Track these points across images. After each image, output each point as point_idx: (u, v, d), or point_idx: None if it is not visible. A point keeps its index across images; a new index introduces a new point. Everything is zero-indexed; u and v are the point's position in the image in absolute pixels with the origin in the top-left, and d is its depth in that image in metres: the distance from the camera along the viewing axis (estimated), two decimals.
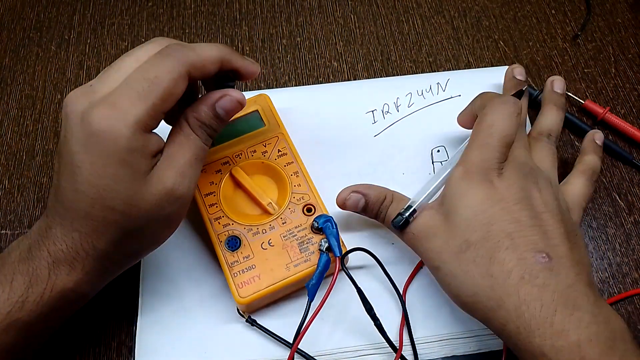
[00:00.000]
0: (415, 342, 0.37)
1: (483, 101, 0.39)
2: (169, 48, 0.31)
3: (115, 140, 0.28)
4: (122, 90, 0.29)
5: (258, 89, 0.49)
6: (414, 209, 0.36)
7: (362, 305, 0.35)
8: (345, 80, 0.50)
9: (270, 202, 0.38)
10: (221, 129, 0.34)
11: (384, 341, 0.36)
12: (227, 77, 0.34)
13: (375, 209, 0.38)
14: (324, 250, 0.36)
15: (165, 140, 0.32)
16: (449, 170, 0.37)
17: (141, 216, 0.30)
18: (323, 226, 0.36)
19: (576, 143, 0.47)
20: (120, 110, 0.29)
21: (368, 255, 0.37)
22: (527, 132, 0.42)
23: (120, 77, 0.30)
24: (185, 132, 0.32)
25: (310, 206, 0.38)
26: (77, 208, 0.30)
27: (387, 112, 0.47)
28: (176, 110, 0.32)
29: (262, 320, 0.37)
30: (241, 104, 0.33)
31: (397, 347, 0.36)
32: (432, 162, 0.45)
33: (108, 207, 0.29)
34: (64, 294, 0.31)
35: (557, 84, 0.43)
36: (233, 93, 0.33)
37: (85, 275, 0.31)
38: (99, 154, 0.29)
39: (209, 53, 0.31)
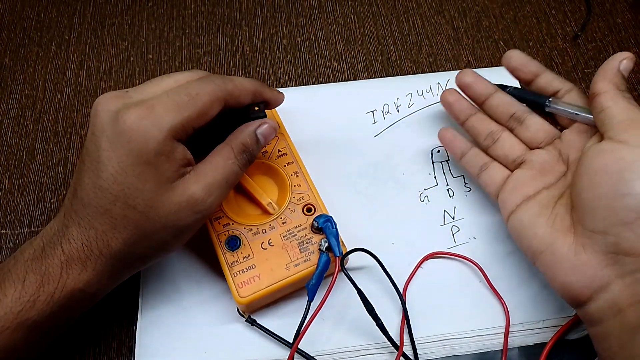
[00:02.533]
0: (416, 342, 0.37)
1: None
2: (211, 76, 0.34)
3: (146, 141, 0.30)
4: (162, 98, 0.31)
5: None
6: None
7: (362, 305, 0.35)
8: (345, 80, 0.50)
9: (270, 202, 0.38)
10: (256, 155, 0.36)
11: (384, 341, 0.36)
12: (256, 105, 0.36)
13: None
14: (324, 250, 0.36)
15: (192, 162, 0.33)
16: None
17: (159, 220, 0.31)
18: (323, 226, 0.36)
19: None
20: (156, 114, 0.30)
21: (368, 255, 0.37)
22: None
23: (159, 90, 0.32)
24: (224, 155, 0.33)
25: (310, 206, 0.38)
26: (98, 204, 0.30)
27: (387, 112, 0.47)
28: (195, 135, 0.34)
29: (262, 320, 0.37)
30: (276, 131, 0.36)
31: (398, 347, 0.36)
32: (432, 162, 0.45)
33: (130, 206, 0.30)
34: (74, 294, 0.31)
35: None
36: (270, 122, 0.36)
37: (96, 276, 0.31)
38: (128, 152, 0.30)
39: (245, 85, 0.35)
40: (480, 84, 0.41)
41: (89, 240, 0.31)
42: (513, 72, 0.41)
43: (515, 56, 0.40)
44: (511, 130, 0.40)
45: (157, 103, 0.30)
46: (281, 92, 0.38)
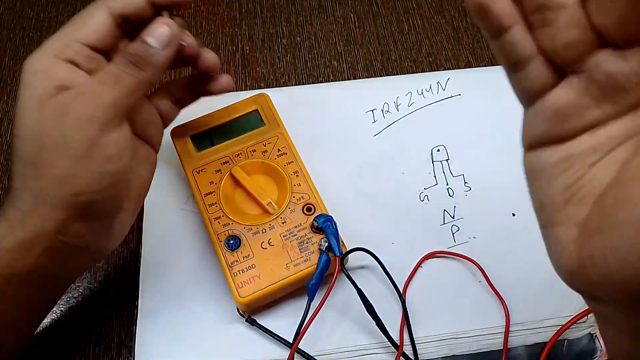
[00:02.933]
0: (415, 342, 0.37)
1: None
2: None
3: (27, 65, 0.30)
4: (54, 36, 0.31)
5: (258, 89, 0.49)
6: None
7: (362, 304, 0.35)
8: (345, 80, 0.50)
9: (270, 202, 0.38)
10: (160, 63, 0.31)
11: (384, 341, 0.36)
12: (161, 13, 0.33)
13: None
14: (324, 249, 0.36)
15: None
16: None
17: (27, 134, 0.29)
18: (323, 226, 0.36)
19: None
20: (42, 47, 0.30)
21: (368, 255, 0.37)
22: None
23: None
24: (107, 69, 0.30)
25: (310, 206, 0.38)
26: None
27: (387, 111, 0.47)
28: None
29: (262, 320, 0.37)
30: (169, 28, 0.31)
31: (399, 346, 0.36)
32: (432, 162, 0.44)
33: (13, 135, 0.30)
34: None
35: None
36: (159, 19, 0.31)
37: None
38: (20, 85, 0.30)
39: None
40: None
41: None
42: None
43: None
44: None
45: (48, 39, 0.31)
46: None
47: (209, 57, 0.35)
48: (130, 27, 0.32)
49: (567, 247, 0.24)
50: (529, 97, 0.26)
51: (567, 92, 0.23)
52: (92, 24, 0.31)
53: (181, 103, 0.38)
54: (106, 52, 0.32)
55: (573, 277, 0.24)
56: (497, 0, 0.24)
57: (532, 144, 0.25)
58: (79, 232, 0.31)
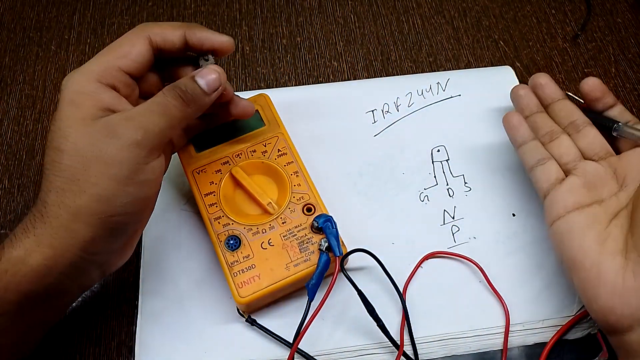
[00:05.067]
0: (416, 342, 0.37)
1: None
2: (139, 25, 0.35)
3: (71, 85, 0.31)
4: (90, 60, 0.33)
5: (258, 89, 0.49)
6: None
7: (361, 304, 0.35)
8: (345, 80, 0.50)
9: (270, 202, 0.38)
10: (201, 103, 0.34)
11: (384, 341, 0.36)
12: (204, 55, 0.36)
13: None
14: (324, 250, 0.36)
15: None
16: None
17: (78, 153, 0.30)
18: (323, 226, 0.36)
19: None
20: (81, 68, 0.32)
21: (368, 255, 0.37)
22: None
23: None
24: (156, 100, 0.32)
25: (310, 206, 0.38)
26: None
27: (387, 111, 0.47)
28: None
29: (262, 320, 0.37)
30: (220, 76, 0.34)
31: (399, 346, 0.36)
32: (432, 162, 0.44)
33: (55, 148, 0.30)
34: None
35: None
36: (211, 66, 0.35)
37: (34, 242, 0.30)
38: (60, 102, 0.31)
39: (170, 23, 0.35)
40: (551, 87, 0.42)
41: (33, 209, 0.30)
42: (588, 100, 0.41)
43: (594, 85, 0.40)
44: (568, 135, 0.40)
45: (87, 63, 0.33)
46: (224, 35, 0.36)
47: (244, 104, 0.39)
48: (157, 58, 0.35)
49: (617, 275, 0.31)
50: (549, 185, 0.37)
51: (574, 179, 0.37)
52: (134, 53, 0.33)
53: (189, 132, 0.40)
54: (138, 78, 0.35)
55: (623, 299, 0.31)
56: (523, 123, 0.40)
57: (560, 213, 0.35)
58: (101, 250, 0.31)
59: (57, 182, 0.30)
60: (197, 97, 0.33)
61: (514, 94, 0.43)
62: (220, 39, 0.36)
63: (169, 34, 0.34)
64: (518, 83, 0.48)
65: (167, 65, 0.37)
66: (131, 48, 0.33)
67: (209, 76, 0.34)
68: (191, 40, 0.35)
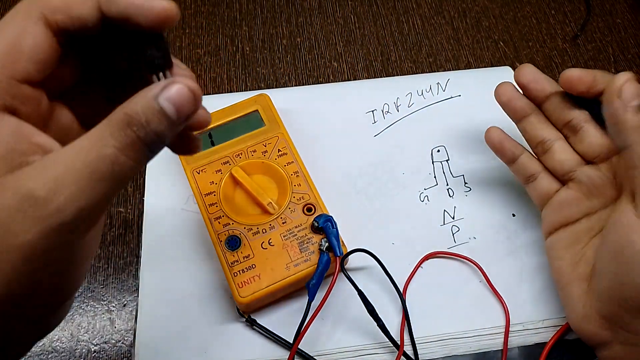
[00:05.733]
0: (416, 342, 0.37)
1: None
2: None
3: None
4: None
5: (258, 89, 0.49)
6: None
7: (362, 304, 0.35)
8: (345, 81, 0.50)
9: (270, 202, 0.38)
10: (166, 136, 0.21)
11: (384, 341, 0.36)
12: (147, 38, 0.22)
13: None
14: (324, 250, 0.36)
15: (54, 148, 0.21)
16: None
17: None
18: (323, 226, 0.36)
19: None
20: None
21: (368, 255, 0.37)
22: None
23: None
24: (95, 134, 0.20)
25: (311, 206, 0.38)
26: None
27: (387, 112, 0.47)
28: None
29: (262, 320, 0.37)
30: (196, 97, 0.21)
31: (399, 346, 0.36)
32: (432, 162, 0.45)
33: None
34: None
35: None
36: (183, 80, 0.21)
37: None
38: None
39: None
40: (539, 83, 0.36)
41: None
42: (568, 88, 0.35)
43: (572, 78, 0.34)
44: (566, 138, 0.36)
45: None
46: None
47: (203, 113, 0.24)
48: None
49: (579, 300, 0.33)
50: (541, 201, 0.37)
51: (566, 192, 0.35)
52: (26, 49, 0.20)
53: None
54: (43, 79, 0.22)
55: (583, 323, 0.32)
56: (505, 140, 0.38)
57: (549, 230, 0.36)
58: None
59: None
60: (162, 133, 0.20)
61: (497, 99, 0.38)
62: (153, 4, 0.21)
63: (74, 5, 0.21)
64: None
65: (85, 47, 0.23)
66: (21, 41, 0.20)
67: (179, 93, 0.20)
68: (110, 12, 0.21)
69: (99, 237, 0.24)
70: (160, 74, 0.22)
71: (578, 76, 0.33)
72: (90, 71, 0.24)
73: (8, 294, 0.19)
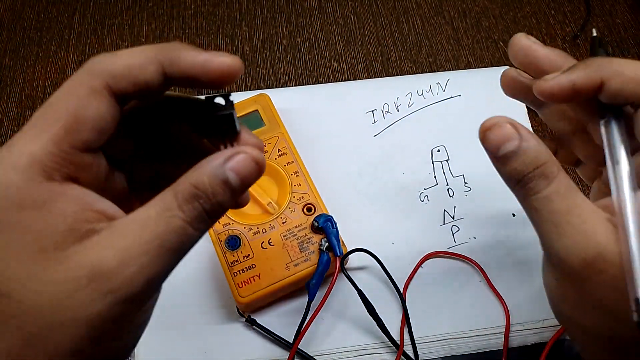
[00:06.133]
0: (416, 342, 0.37)
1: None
2: (87, 62, 0.21)
3: (5, 190, 0.19)
4: (23, 129, 0.20)
5: (258, 89, 0.49)
6: None
7: (362, 304, 0.35)
8: (345, 80, 0.50)
9: (270, 202, 0.38)
10: (227, 206, 0.21)
11: (384, 341, 0.36)
12: (217, 96, 0.22)
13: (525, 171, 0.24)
14: (324, 249, 0.36)
15: (117, 215, 0.21)
16: None
17: (47, 312, 0.18)
18: (323, 226, 0.36)
19: None
20: (11, 152, 0.20)
21: (368, 255, 0.37)
22: None
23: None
24: (161, 205, 0.20)
25: (311, 206, 0.38)
26: None
27: (387, 112, 0.47)
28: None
29: (262, 320, 0.37)
30: (260, 165, 0.21)
31: (399, 346, 0.36)
32: (432, 162, 0.45)
33: (1, 295, 0.18)
34: None
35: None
36: (248, 150, 0.21)
37: None
38: None
39: (135, 54, 0.21)
40: (549, 59, 0.27)
41: None
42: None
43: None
44: None
45: (17, 136, 0.20)
46: (227, 55, 0.21)
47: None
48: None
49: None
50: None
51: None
52: (89, 119, 0.20)
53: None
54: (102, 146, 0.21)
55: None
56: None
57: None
58: None
59: (4, 341, 0.19)
60: (225, 204, 0.21)
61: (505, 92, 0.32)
62: (220, 61, 0.21)
63: (137, 71, 0.21)
64: None
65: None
66: (85, 111, 0.20)
67: (244, 165, 0.20)
68: (174, 73, 0.21)
69: (157, 300, 0.24)
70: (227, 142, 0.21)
71: (558, 88, 0.25)
72: (147, 135, 0.24)
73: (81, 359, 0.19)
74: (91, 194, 0.20)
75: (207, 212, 0.20)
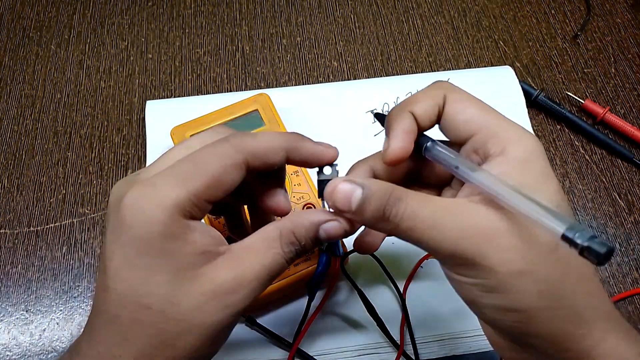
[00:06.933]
0: (416, 342, 0.37)
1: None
2: (232, 135, 0.27)
3: (149, 223, 0.24)
4: (165, 172, 0.25)
5: (258, 89, 0.49)
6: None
7: (362, 304, 0.35)
8: (345, 80, 0.50)
9: None
10: (308, 251, 0.28)
11: (384, 341, 0.36)
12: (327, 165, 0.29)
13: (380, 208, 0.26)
14: (324, 249, 0.36)
15: (225, 244, 0.27)
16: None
17: (181, 318, 0.24)
18: None
19: (576, 143, 0.47)
20: (156, 191, 0.24)
21: (368, 255, 0.37)
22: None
23: (168, 163, 0.26)
24: (269, 240, 0.26)
25: (311, 206, 0.38)
26: (106, 311, 0.25)
27: (387, 111, 0.47)
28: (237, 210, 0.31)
29: (262, 320, 0.37)
30: (347, 234, 0.27)
31: (399, 346, 0.36)
32: None
33: (142, 306, 0.24)
34: None
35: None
36: (343, 222, 0.27)
37: None
38: (132, 241, 0.24)
39: (271, 140, 0.27)
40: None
41: None
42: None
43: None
44: None
45: (159, 179, 0.25)
46: (331, 146, 0.29)
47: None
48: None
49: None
50: None
51: None
52: (227, 184, 0.26)
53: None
54: None
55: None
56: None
57: None
58: None
59: (139, 345, 0.24)
60: (310, 249, 0.27)
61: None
62: (328, 153, 0.29)
63: (271, 154, 0.27)
64: (518, 83, 0.48)
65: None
66: (225, 177, 0.25)
67: (335, 230, 0.27)
68: (294, 158, 0.28)
69: None
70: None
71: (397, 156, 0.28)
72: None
73: (195, 356, 0.25)
74: (211, 227, 0.26)
75: (297, 254, 0.27)
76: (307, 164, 0.29)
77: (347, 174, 0.30)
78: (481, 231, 0.25)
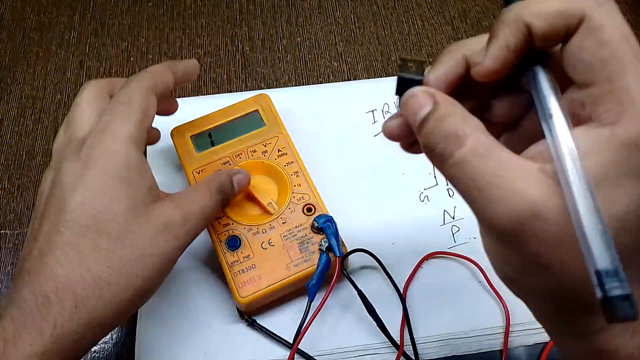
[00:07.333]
0: (416, 342, 0.37)
1: None
2: (131, 77, 0.32)
3: (114, 156, 0.28)
4: (105, 118, 0.30)
5: (258, 89, 0.49)
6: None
7: (362, 305, 0.35)
8: (345, 80, 0.50)
9: (271, 202, 0.38)
10: (229, 201, 0.35)
11: (384, 341, 0.36)
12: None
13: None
14: (324, 250, 0.36)
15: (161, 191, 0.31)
16: None
17: (136, 246, 0.27)
18: (323, 226, 0.36)
19: None
20: (110, 132, 0.29)
21: (368, 255, 0.37)
22: None
23: (88, 117, 0.31)
24: (201, 190, 0.33)
25: (311, 206, 0.38)
26: (62, 243, 0.26)
27: (387, 112, 0.47)
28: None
29: (262, 320, 0.37)
30: (248, 182, 0.37)
31: (399, 346, 0.36)
32: None
33: (102, 232, 0.27)
34: None
35: None
36: (244, 172, 0.37)
37: (55, 342, 0.25)
38: (97, 173, 0.28)
39: (159, 68, 0.34)
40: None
41: (46, 296, 0.25)
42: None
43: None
44: None
45: (104, 124, 0.29)
46: (191, 61, 0.37)
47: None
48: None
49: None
50: None
51: None
52: (151, 110, 0.31)
53: None
54: None
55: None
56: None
57: None
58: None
59: (97, 270, 0.26)
60: (230, 198, 0.35)
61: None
62: (193, 64, 0.37)
63: (169, 82, 0.34)
64: None
65: None
66: (149, 105, 0.31)
67: (242, 180, 0.36)
68: (179, 80, 0.35)
69: None
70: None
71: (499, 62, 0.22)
72: None
73: (145, 287, 0.28)
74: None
75: (223, 199, 0.34)
76: (185, 80, 0.36)
77: (437, 60, 0.24)
78: (527, 222, 0.20)
